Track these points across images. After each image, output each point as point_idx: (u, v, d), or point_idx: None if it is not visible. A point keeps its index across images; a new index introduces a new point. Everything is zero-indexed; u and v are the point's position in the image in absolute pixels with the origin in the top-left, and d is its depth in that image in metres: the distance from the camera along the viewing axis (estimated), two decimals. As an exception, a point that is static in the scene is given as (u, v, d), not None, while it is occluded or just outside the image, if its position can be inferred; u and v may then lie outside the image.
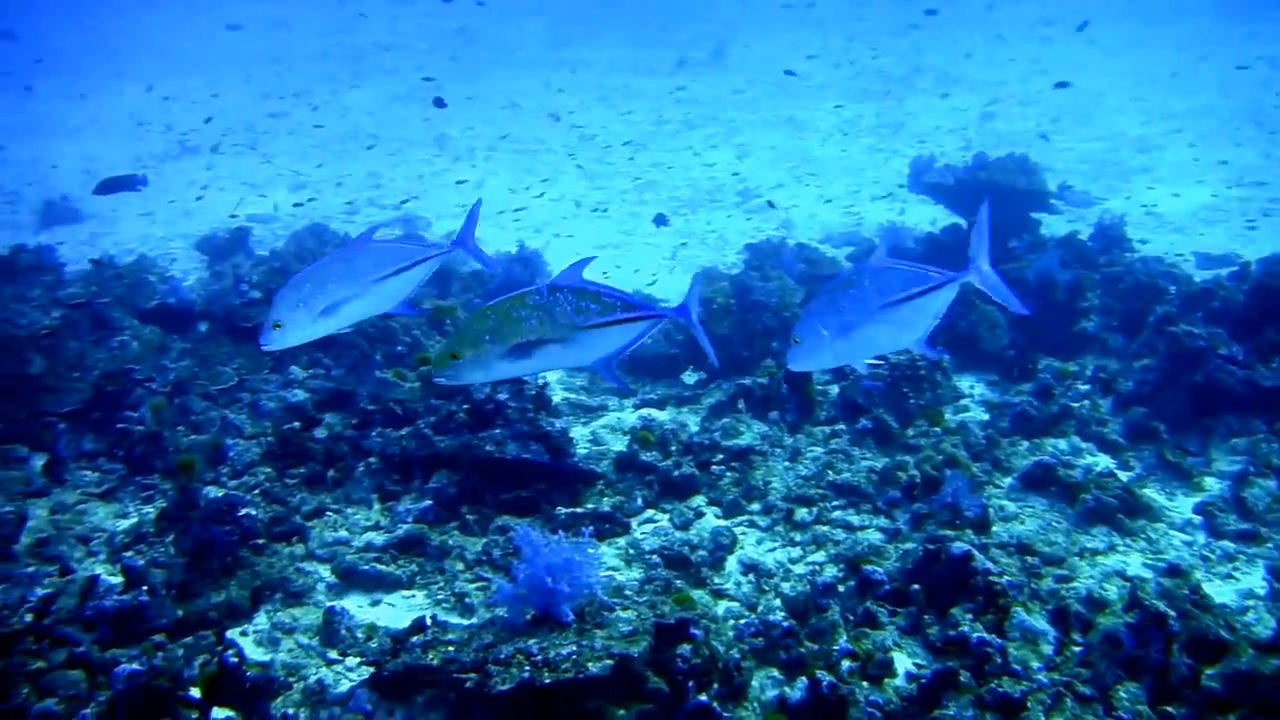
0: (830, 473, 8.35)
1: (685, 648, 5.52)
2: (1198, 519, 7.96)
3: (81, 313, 10.50)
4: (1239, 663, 5.38)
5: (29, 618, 6.02)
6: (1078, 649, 5.96)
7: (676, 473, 8.24)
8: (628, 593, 6.16)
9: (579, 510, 7.72)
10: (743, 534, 7.78)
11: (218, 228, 16.90)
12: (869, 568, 6.83)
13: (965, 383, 10.55)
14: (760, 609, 6.80)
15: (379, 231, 6.12)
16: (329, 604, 6.70)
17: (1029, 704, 5.34)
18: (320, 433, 8.54)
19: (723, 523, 7.90)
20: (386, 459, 8.16)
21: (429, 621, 5.91)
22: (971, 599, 6.32)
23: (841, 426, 9.17)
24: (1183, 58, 32.55)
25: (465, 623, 6.34)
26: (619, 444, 9.04)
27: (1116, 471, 8.44)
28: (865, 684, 5.78)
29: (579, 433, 9.30)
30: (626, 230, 18.78)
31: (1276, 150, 22.45)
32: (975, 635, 5.88)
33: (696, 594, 6.78)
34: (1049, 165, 15.80)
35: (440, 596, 6.94)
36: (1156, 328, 10.05)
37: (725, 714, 5.35)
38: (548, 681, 5.12)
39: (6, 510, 7.21)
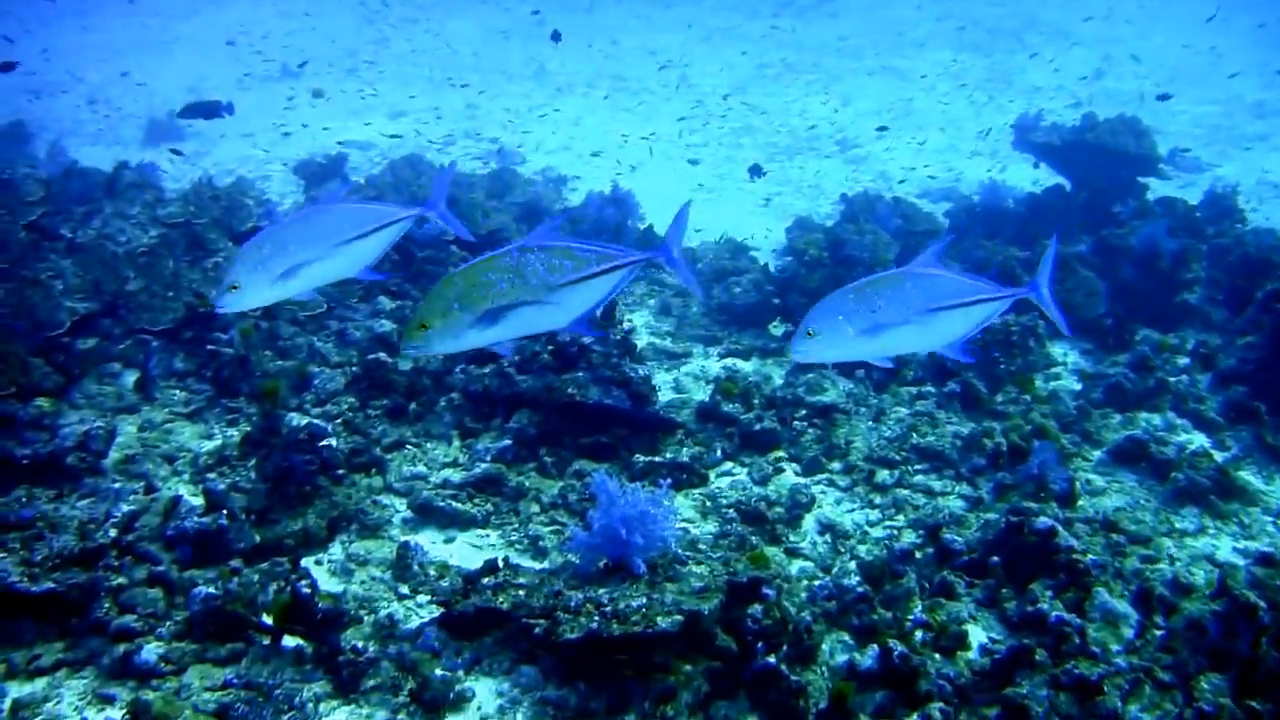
0: (914, 435, 8.20)
1: (757, 608, 5.46)
2: (1296, 506, 7.70)
3: (178, 232, 10.64)
4: (1332, 662, 5.19)
5: (113, 533, 6.13)
6: (1160, 633, 5.79)
7: (758, 426, 8.14)
8: (702, 546, 6.12)
9: (657, 459, 7.66)
10: (821, 493, 7.67)
11: (315, 152, 17.02)
12: (948, 536, 6.71)
13: (1059, 350, 10.28)
14: (835, 571, 6.70)
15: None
16: (403, 539, 6.73)
17: (1105, 687, 5.19)
18: (404, 364, 8.56)
19: (802, 480, 7.81)
20: (468, 395, 8.17)
21: (501, 564, 5.92)
22: (1053, 575, 6.18)
23: (929, 388, 9.00)
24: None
25: (537, 566, 6.34)
26: (701, 393, 8.96)
27: (1211, 451, 8.19)
28: (937, 656, 5.68)
29: (661, 379, 9.23)
30: (721, 174, 18.57)
31: None
32: (1054, 613, 5.74)
33: (771, 551, 6.71)
34: (1160, 128, 15.26)
35: (514, 538, 6.94)
36: (1264, 304, 9.64)
37: (793, 676, 5.28)
38: (616, 633, 5.10)
39: (97, 425, 7.34)
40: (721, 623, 5.44)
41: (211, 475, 7.26)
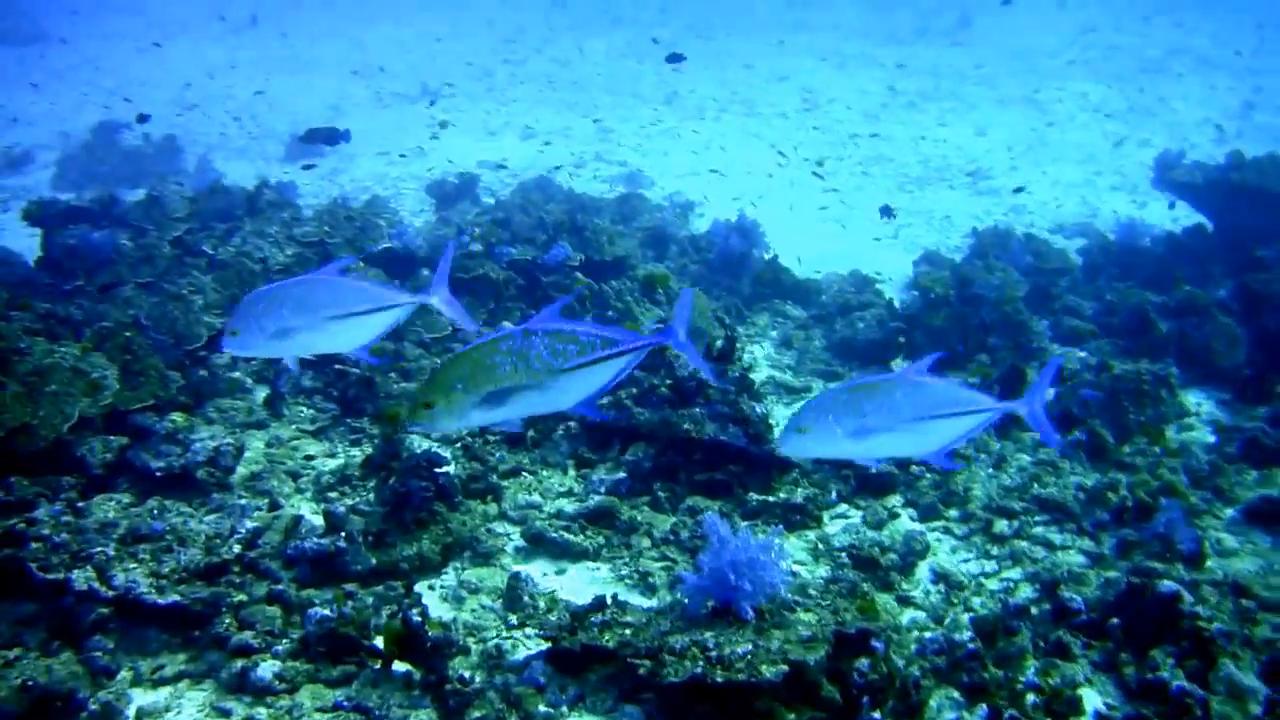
0: (1036, 485, 8.01)
1: (864, 661, 5.40)
2: None
3: (313, 251, 10.96)
4: None
5: (237, 549, 6.33)
6: (1289, 711, 5.56)
7: (875, 469, 8.04)
8: (811, 592, 6.05)
9: (771, 499, 7.62)
10: (936, 540, 7.55)
11: (448, 172, 17.35)
12: (1066, 593, 6.53)
13: (1192, 400, 9.95)
14: (947, 623, 6.58)
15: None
16: (515, 568, 6.82)
17: (1227, 766, 5.01)
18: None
19: (917, 526, 7.69)
20: (586, 426, 8.24)
21: (609, 600, 5.94)
22: (1176, 642, 5.96)
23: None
24: None
25: (646, 603, 6.36)
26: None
27: (1356, 516, 7.83)
28: None
29: (780, 414, 9.18)
30: (849, 204, 18.42)
31: None
32: (1176, 683, 5.55)
33: (883, 599, 6.62)
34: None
35: (624, 572, 6.97)
36: None
37: (899, 733, 5.20)
38: (720, 680, 5.08)
39: (226, 442, 7.59)
40: (827, 672, 5.38)
41: (333, 494, 7.45)
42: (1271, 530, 7.77)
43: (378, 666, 5.67)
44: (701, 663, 5.18)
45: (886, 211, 14.83)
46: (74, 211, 11.26)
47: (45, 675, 5.31)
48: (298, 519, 6.81)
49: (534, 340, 4.51)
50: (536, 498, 7.66)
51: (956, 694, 5.78)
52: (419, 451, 7.22)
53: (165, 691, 5.62)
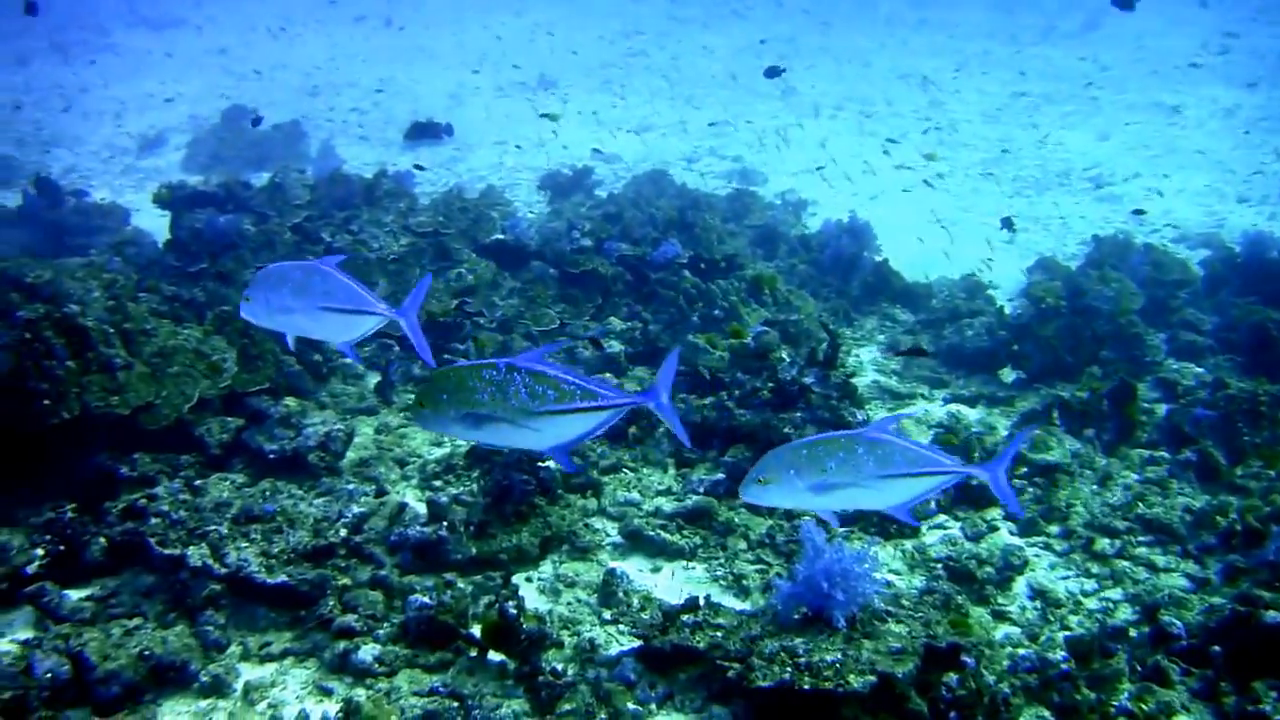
0: (1141, 504, 7.86)
1: (953, 676, 5.38)
2: None
3: (427, 241, 11.18)
4: None
5: (343, 533, 6.53)
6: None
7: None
8: (905, 602, 6.04)
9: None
10: (1035, 556, 7.46)
11: (563, 163, 17.53)
12: (1167, 617, 6.40)
13: (1313, 422, 9.64)
14: (1042, 641, 6.51)
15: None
16: (611, 564, 6.92)
17: (1326, 805, 4.90)
18: (629, 387, 8.75)
19: (1016, 540, 7.61)
20: (687, 425, 8.28)
21: (702, 602, 6.00)
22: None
23: (1163, 454, 8.61)
24: None
25: (739, 606, 6.41)
26: (922, 438, 8.83)
27: None
28: (1142, 746, 5.46)
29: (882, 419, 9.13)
30: (965, 206, 18.19)
31: None
32: (1278, 717, 5.42)
33: (977, 612, 6.59)
34: None
35: (719, 573, 7.02)
36: None
37: (986, 751, 5.18)
38: (807, 687, 5.11)
39: (337, 428, 7.81)
40: (916, 684, 5.38)
41: (437, 483, 7.63)
42: (1389, 562, 7.52)
43: (474, 655, 5.81)
44: (790, 669, 5.22)
45: (1007, 224, 14.61)
46: (201, 196, 11.65)
47: (161, 646, 5.56)
48: (402, 506, 6.98)
49: (515, 376, 4.56)
50: (635, 495, 7.75)
51: (1047, 714, 5.72)
52: (522, 445, 7.34)
53: (271, 668, 5.84)
